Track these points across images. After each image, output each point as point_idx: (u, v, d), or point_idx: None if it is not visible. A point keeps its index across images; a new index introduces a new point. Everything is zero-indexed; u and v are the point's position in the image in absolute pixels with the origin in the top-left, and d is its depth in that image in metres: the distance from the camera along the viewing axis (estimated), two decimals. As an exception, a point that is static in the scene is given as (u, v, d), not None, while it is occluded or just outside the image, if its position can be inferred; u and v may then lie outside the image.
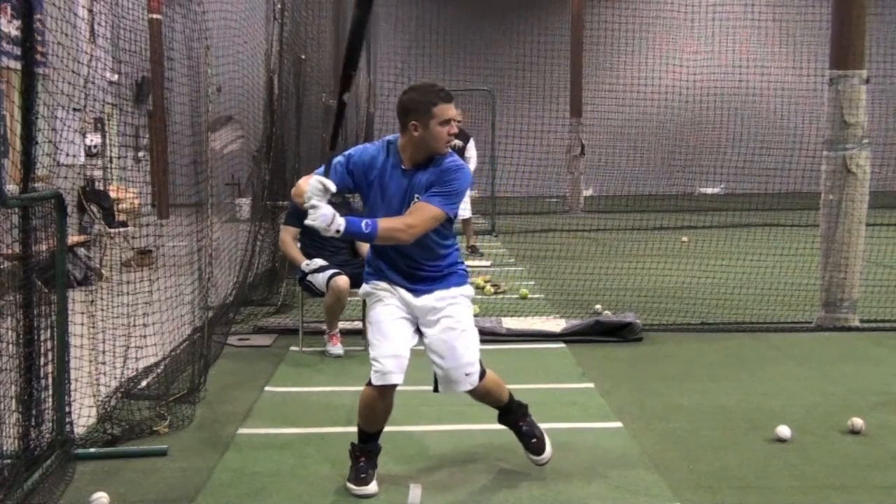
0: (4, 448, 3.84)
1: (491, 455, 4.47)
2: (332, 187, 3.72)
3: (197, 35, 6.21)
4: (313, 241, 6.82)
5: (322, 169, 3.81)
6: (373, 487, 3.96)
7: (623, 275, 9.51)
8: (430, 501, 3.91)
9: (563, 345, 6.78)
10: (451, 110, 3.82)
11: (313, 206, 3.67)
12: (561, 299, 8.75)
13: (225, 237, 8.06)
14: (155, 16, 13.10)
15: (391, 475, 4.12)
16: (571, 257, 11.22)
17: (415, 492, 3.98)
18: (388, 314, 3.95)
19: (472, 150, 12.11)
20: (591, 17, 19.55)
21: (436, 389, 4.06)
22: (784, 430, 4.61)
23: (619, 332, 6.94)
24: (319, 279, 6.56)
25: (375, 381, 3.90)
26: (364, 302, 6.79)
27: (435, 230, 3.88)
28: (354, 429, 4.60)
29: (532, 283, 9.84)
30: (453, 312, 3.95)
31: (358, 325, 7.08)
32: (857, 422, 4.73)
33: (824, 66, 7.59)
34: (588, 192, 20.96)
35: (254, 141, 9.52)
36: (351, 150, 4.01)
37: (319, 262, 6.66)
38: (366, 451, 4.05)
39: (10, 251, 4.00)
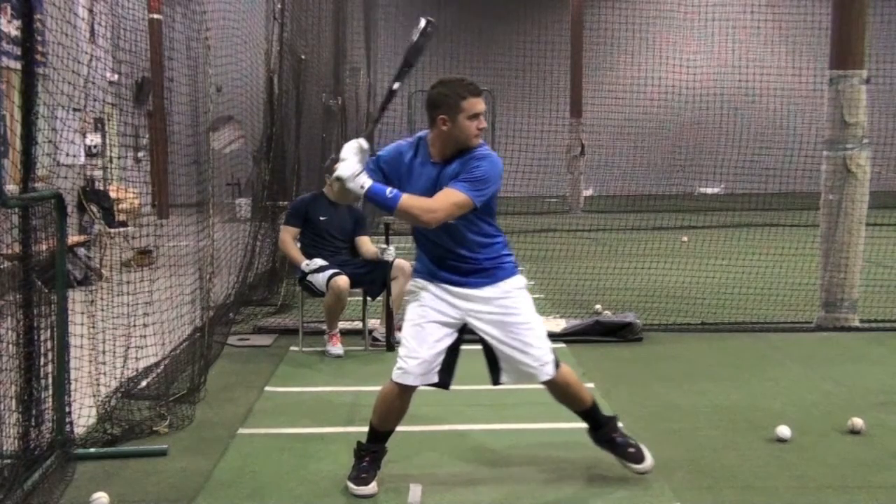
0: (4, 448, 3.83)
1: (491, 455, 4.47)
2: (366, 146, 3.76)
3: (197, 35, 6.21)
4: (313, 241, 6.83)
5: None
6: (372, 488, 3.96)
7: (623, 275, 9.51)
8: (430, 501, 3.91)
9: (563, 345, 6.78)
10: (479, 104, 3.81)
11: (343, 159, 3.70)
12: (561, 299, 8.75)
13: (225, 237, 8.06)
14: (155, 16, 13.09)
15: (391, 475, 4.11)
16: (571, 257, 11.21)
17: (415, 492, 3.98)
18: (423, 316, 3.92)
19: None
20: (591, 18, 19.55)
21: (496, 382, 4.05)
22: (784, 430, 4.61)
23: (619, 332, 6.94)
24: (319, 279, 6.56)
25: (396, 378, 3.91)
26: (364, 301, 6.86)
27: (469, 221, 3.85)
28: (355, 428, 4.60)
29: (532, 283, 9.82)
30: (511, 305, 3.94)
31: (358, 325, 7.08)
32: (857, 422, 4.72)
33: (824, 67, 7.59)
34: (588, 192, 20.96)
35: (254, 141, 9.52)
36: (382, 150, 4.02)
37: (319, 262, 6.66)
38: (371, 451, 4.04)
39: (10, 251, 4.00)
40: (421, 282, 4.00)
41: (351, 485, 3.98)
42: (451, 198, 3.75)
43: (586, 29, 19.61)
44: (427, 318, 3.92)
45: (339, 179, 3.70)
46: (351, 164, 3.69)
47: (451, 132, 3.81)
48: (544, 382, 4.01)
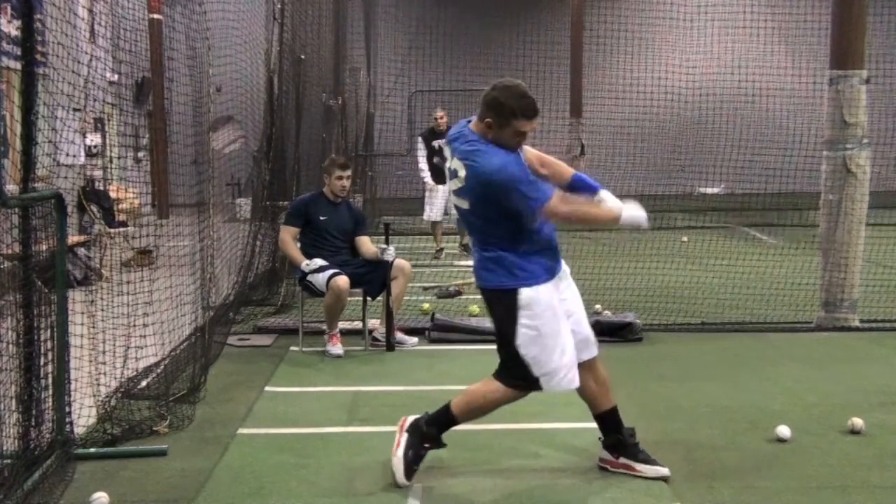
0: (4, 448, 3.84)
1: (491, 455, 4.47)
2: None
3: (197, 35, 6.21)
4: (313, 241, 6.83)
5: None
6: (409, 482, 3.98)
7: (623, 275, 9.51)
8: (431, 501, 3.91)
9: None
10: (531, 125, 3.85)
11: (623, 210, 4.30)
12: (561, 299, 8.72)
13: (225, 237, 8.06)
14: (155, 16, 13.10)
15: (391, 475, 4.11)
16: (571, 257, 11.09)
17: (415, 492, 3.98)
18: (557, 322, 3.95)
19: None
20: (591, 18, 19.55)
21: None
22: (784, 430, 4.61)
23: (619, 332, 6.93)
24: (319, 279, 6.56)
25: (565, 386, 3.93)
26: (364, 301, 6.85)
27: None
28: (354, 428, 4.60)
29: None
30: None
31: (358, 325, 7.08)
32: (857, 422, 4.72)
33: (824, 67, 7.59)
34: (588, 192, 20.91)
35: (254, 141, 9.52)
36: (518, 173, 3.88)
37: (319, 262, 6.66)
38: (438, 440, 4.05)
39: (10, 251, 4.00)
40: (545, 287, 3.98)
41: (400, 470, 3.95)
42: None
43: (586, 29, 19.59)
44: (561, 324, 3.96)
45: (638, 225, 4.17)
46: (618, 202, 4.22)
47: (495, 134, 3.86)
48: (591, 361, 4.14)
